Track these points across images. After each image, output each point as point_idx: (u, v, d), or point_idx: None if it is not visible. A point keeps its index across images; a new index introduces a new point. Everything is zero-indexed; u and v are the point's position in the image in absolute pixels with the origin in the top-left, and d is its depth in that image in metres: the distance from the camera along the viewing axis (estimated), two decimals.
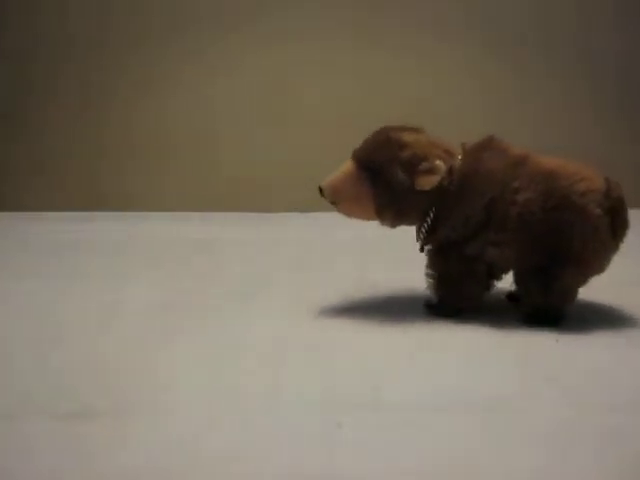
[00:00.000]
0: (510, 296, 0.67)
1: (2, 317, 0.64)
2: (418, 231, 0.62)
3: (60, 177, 1.33)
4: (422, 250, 0.64)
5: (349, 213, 0.63)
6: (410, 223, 0.63)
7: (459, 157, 0.60)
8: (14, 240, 1.03)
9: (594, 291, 0.71)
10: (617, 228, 0.58)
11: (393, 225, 0.63)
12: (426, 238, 0.62)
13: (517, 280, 0.62)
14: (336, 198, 0.61)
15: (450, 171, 0.59)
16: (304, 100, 1.30)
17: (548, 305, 0.60)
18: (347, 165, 0.61)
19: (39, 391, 0.46)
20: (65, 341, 0.57)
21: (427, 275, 0.64)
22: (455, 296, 0.62)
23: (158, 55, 1.31)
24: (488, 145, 0.61)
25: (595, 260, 0.59)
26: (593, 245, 0.57)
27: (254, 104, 1.30)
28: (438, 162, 0.59)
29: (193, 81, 1.32)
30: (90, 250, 0.95)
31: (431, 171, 0.58)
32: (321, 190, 0.61)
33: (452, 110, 1.27)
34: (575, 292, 0.61)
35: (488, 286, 0.63)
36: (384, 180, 0.59)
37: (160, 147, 1.33)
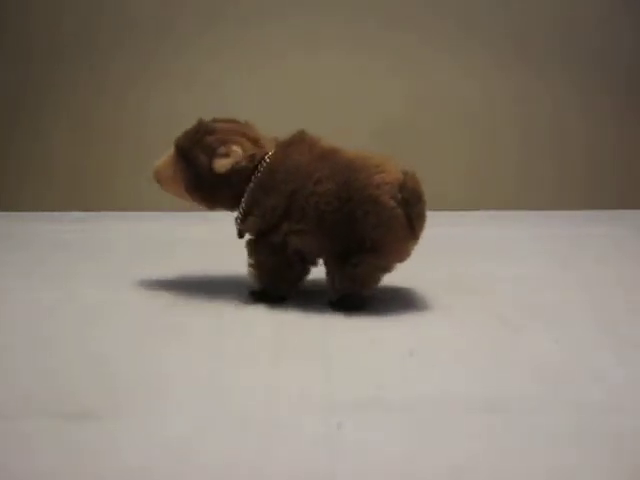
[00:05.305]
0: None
1: (1, 317, 0.64)
2: (235, 218, 0.67)
3: (62, 177, 1.33)
4: (240, 236, 0.68)
5: (171, 193, 0.70)
6: (226, 208, 0.68)
7: (270, 152, 0.64)
8: (14, 240, 1.03)
9: (586, 292, 0.70)
10: (413, 219, 0.61)
11: (209, 208, 0.69)
12: (240, 226, 0.66)
13: (325, 266, 0.65)
14: (159, 179, 0.68)
15: (252, 159, 0.64)
16: (309, 101, 1.30)
17: (349, 291, 0.63)
18: (171, 150, 0.68)
19: (38, 391, 0.46)
20: (64, 341, 0.57)
21: (249, 264, 0.67)
22: (273, 283, 0.66)
23: (167, 55, 1.31)
24: (298, 139, 0.66)
25: (391, 249, 0.62)
26: (388, 235, 0.60)
27: (257, 105, 1.30)
28: (235, 147, 0.63)
29: (201, 82, 1.32)
30: (90, 250, 0.95)
31: (227, 155, 0.63)
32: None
33: (453, 110, 1.28)
34: (376, 279, 0.64)
35: (305, 271, 0.67)
36: (189, 163, 0.65)
37: (164, 147, 1.33)
